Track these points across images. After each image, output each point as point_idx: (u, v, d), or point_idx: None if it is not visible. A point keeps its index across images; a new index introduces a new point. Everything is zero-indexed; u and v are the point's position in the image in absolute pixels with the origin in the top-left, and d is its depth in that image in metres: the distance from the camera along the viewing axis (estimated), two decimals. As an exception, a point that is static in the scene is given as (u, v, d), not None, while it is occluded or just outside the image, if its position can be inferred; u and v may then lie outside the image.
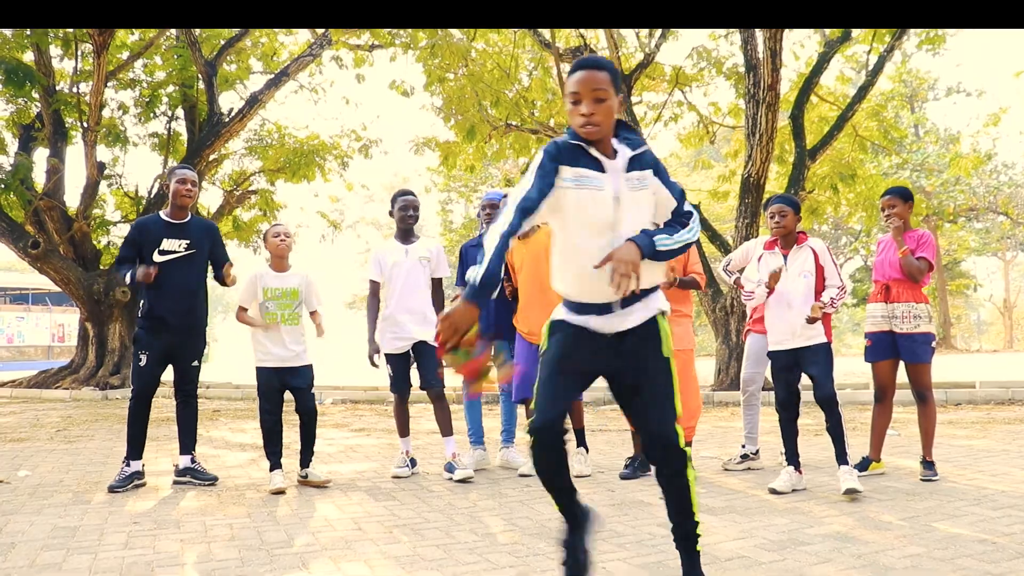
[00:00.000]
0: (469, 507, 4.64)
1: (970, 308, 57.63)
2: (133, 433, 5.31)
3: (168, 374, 5.49)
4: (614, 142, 2.87)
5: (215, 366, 28.00)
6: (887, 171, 25.69)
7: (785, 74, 12.50)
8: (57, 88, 14.72)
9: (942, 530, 3.91)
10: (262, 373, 5.31)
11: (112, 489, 5.11)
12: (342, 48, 15.90)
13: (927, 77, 33.83)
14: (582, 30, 13.96)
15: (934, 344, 5.44)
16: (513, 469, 5.89)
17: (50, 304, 36.34)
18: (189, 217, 5.48)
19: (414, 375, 5.75)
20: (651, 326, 2.90)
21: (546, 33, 12.98)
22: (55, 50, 14.92)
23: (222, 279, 5.55)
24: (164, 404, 11.24)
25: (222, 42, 15.24)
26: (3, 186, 13.79)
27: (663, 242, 2.80)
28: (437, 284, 5.83)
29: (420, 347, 5.62)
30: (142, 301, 5.39)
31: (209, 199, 17.78)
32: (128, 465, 5.28)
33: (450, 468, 5.54)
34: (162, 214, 5.44)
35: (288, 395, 5.38)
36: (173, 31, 15.12)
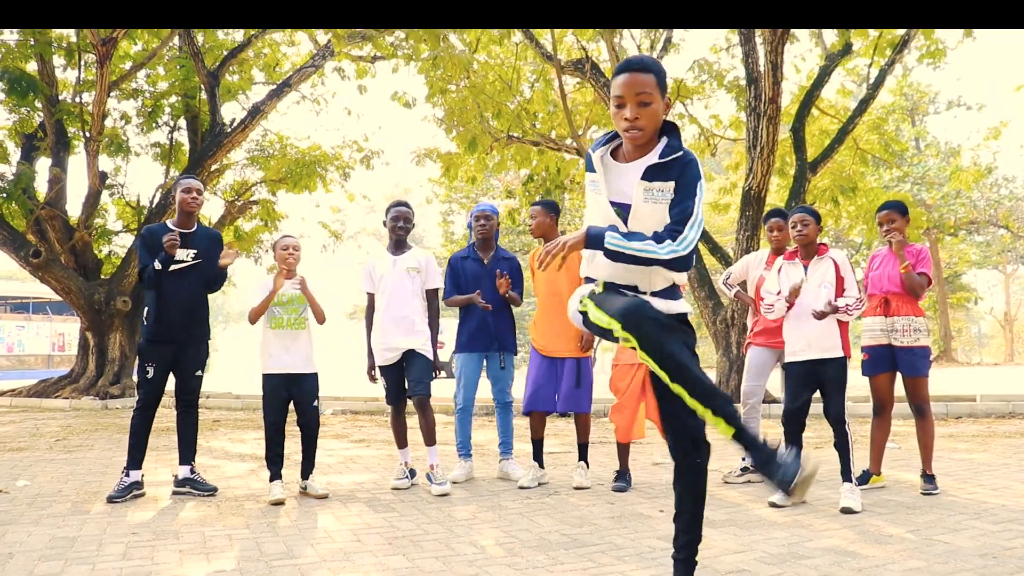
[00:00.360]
0: (468, 519, 4.63)
1: (971, 321, 57.57)
2: (134, 443, 5.31)
3: (170, 383, 5.49)
4: (660, 145, 2.76)
5: (216, 376, 27.98)
6: (888, 184, 25.72)
7: (786, 87, 12.54)
8: (60, 98, 14.75)
9: (942, 544, 3.90)
10: (268, 380, 5.33)
11: (111, 499, 5.10)
12: (344, 59, 15.93)
13: (928, 90, 33.87)
14: (584, 43, 14.01)
15: (931, 358, 5.45)
16: (512, 482, 5.88)
17: (50, 313, 36.32)
18: (196, 227, 5.52)
19: None
20: (677, 318, 2.82)
21: (548, 45, 13.02)
22: (58, 60, 14.95)
23: (215, 278, 5.55)
24: (164, 414, 11.23)
25: (225, 53, 15.29)
26: (5, 195, 13.80)
27: (614, 240, 2.65)
28: (432, 295, 5.83)
29: (409, 355, 5.61)
30: (146, 310, 5.39)
31: (211, 209, 17.80)
32: (128, 475, 5.27)
33: (428, 478, 5.52)
34: (169, 223, 5.46)
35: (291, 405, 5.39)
36: (176, 41, 15.17)
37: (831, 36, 13.56)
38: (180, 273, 5.34)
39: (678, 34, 14.29)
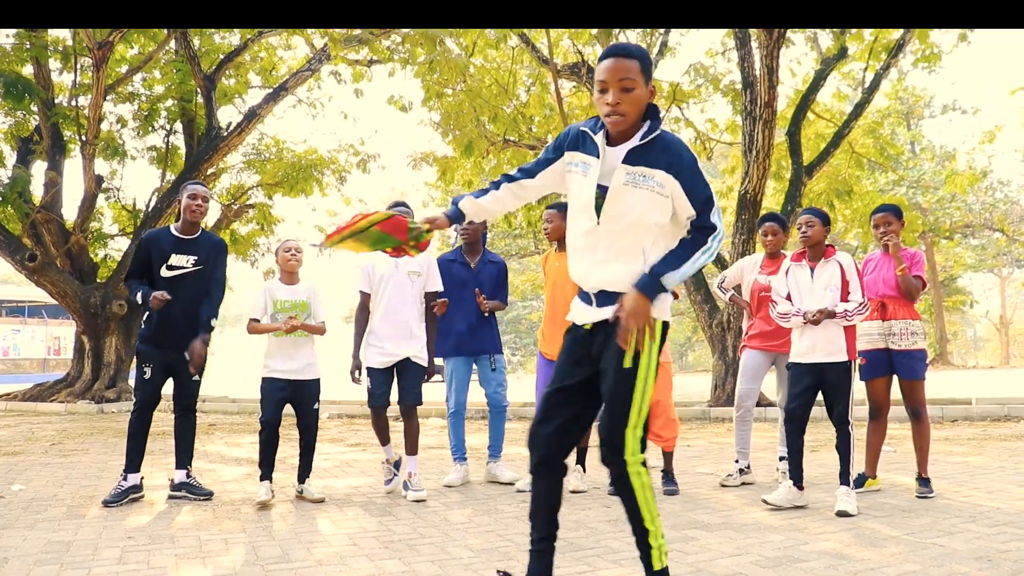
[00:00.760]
0: (464, 523, 4.63)
1: (966, 324, 57.72)
2: (132, 446, 5.29)
3: (167, 387, 5.49)
4: (643, 129, 2.77)
5: (212, 380, 27.95)
6: (883, 188, 25.79)
7: (782, 91, 12.56)
8: (56, 101, 14.76)
9: (938, 547, 3.91)
10: (266, 383, 5.31)
11: (107, 503, 5.09)
12: (341, 63, 15.96)
13: (923, 95, 33.95)
14: (580, 46, 14.04)
15: (927, 361, 5.46)
16: (506, 485, 5.87)
17: (46, 317, 36.28)
18: (199, 232, 5.50)
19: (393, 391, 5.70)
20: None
21: (544, 49, 13.04)
22: (54, 63, 14.97)
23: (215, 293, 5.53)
24: (161, 418, 11.22)
25: (221, 56, 15.30)
26: (1, 199, 13.79)
27: (670, 278, 2.70)
28: (431, 297, 5.75)
29: (403, 363, 5.55)
30: (147, 313, 5.38)
31: (207, 213, 17.80)
32: (126, 479, 5.26)
33: (404, 486, 5.48)
34: (172, 228, 5.45)
35: (289, 408, 5.38)
36: (172, 45, 15.17)
37: (826, 40, 13.60)
38: (179, 279, 5.33)
39: (674, 38, 14.34)
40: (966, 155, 31.11)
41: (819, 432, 8.52)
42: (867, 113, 14.36)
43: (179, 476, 5.42)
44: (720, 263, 12.59)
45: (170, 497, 5.37)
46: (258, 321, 5.40)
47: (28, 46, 13.44)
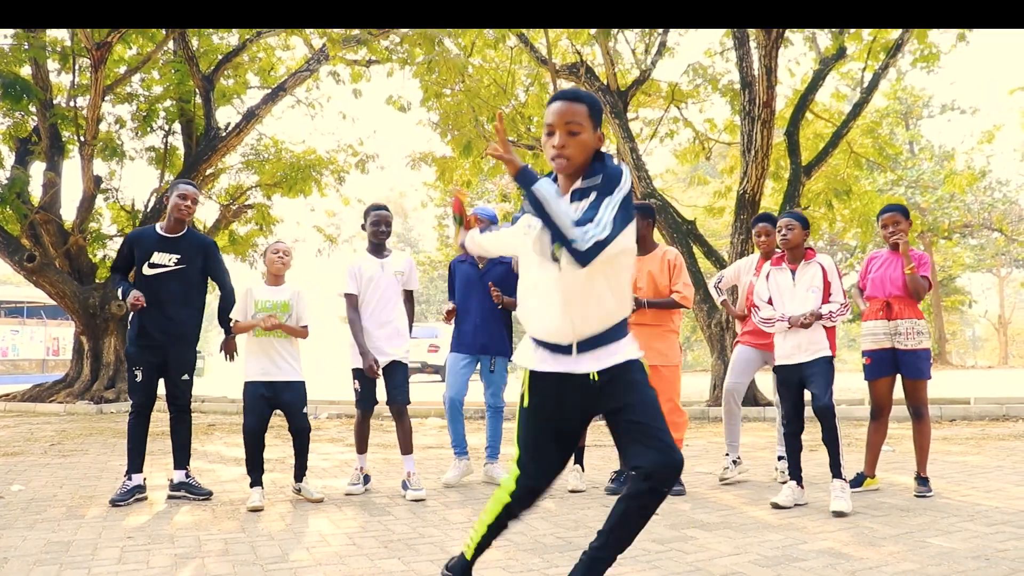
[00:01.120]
0: (463, 523, 4.63)
1: (965, 324, 57.74)
2: (132, 447, 5.31)
3: (162, 388, 5.49)
4: (581, 179, 2.72)
5: (210, 380, 27.94)
6: (882, 188, 25.81)
7: (780, 91, 12.57)
8: (54, 102, 14.75)
9: (936, 546, 3.92)
10: (249, 386, 5.27)
11: (114, 503, 5.10)
12: (339, 63, 15.95)
13: (922, 94, 33.97)
14: (579, 47, 14.04)
15: (931, 360, 5.48)
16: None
17: (45, 318, 36.24)
18: (184, 232, 5.47)
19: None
20: (629, 366, 2.76)
21: (543, 49, 13.05)
22: (52, 64, 14.95)
23: (225, 325, 5.54)
24: (158, 418, 11.21)
25: (219, 57, 15.29)
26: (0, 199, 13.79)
27: (543, 190, 2.59)
28: (408, 296, 5.89)
29: (391, 364, 5.62)
30: (131, 314, 5.39)
31: (205, 213, 17.80)
32: (130, 479, 5.27)
33: (404, 485, 5.51)
34: (158, 227, 5.44)
35: (280, 412, 5.37)
36: (171, 45, 15.16)
37: (825, 40, 13.60)
38: (161, 278, 5.32)
39: (672, 38, 14.32)
40: (965, 155, 31.16)
41: (818, 432, 8.51)
42: (866, 113, 14.37)
43: (178, 476, 5.42)
44: (719, 262, 12.60)
45: (169, 497, 5.38)
46: (239, 323, 5.40)
47: (26, 47, 13.42)
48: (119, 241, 16.14)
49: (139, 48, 15.59)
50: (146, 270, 5.32)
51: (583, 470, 5.82)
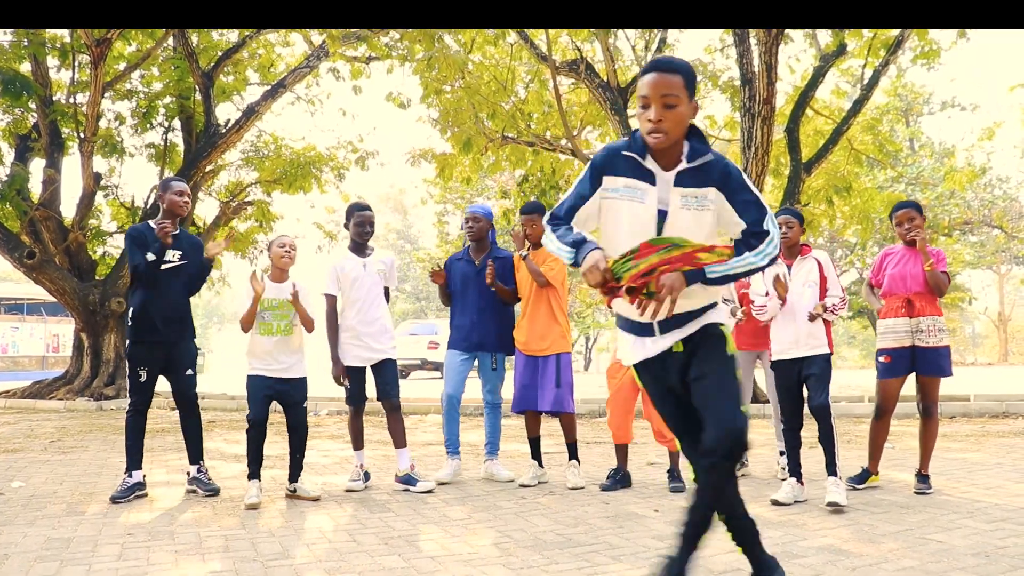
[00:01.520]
0: (463, 519, 4.64)
1: (965, 321, 57.73)
2: (131, 444, 5.33)
3: (164, 385, 5.51)
4: (685, 149, 2.69)
5: (210, 377, 27.94)
6: (882, 185, 25.77)
7: (781, 87, 12.55)
8: (54, 99, 14.73)
9: (936, 543, 3.92)
10: (252, 380, 5.27)
11: (114, 500, 5.12)
12: (339, 60, 15.94)
13: (922, 91, 33.91)
14: (579, 44, 14.02)
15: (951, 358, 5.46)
16: (504, 482, 5.89)
17: (45, 314, 36.25)
18: (179, 229, 5.54)
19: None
20: (712, 327, 2.80)
21: (543, 46, 13.03)
22: (52, 61, 14.93)
23: (197, 276, 5.60)
24: (158, 415, 11.22)
25: (219, 53, 15.28)
26: (-1, 196, 13.79)
27: (714, 269, 2.63)
28: (385, 292, 5.91)
29: (381, 362, 5.70)
30: (131, 310, 5.41)
31: (205, 210, 17.80)
32: (130, 476, 5.29)
33: (408, 480, 5.54)
34: (152, 224, 5.44)
35: (276, 406, 5.36)
36: (170, 42, 15.15)
37: (825, 37, 13.58)
38: (165, 273, 5.38)
39: (672, 35, 14.31)
40: (965, 152, 31.09)
41: (816, 428, 8.51)
42: (866, 110, 14.33)
43: (192, 471, 5.50)
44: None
45: (188, 491, 5.46)
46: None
47: (26, 43, 13.42)
48: (119, 238, 16.20)
49: (139, 45, 15.58)
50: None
51: (579, 464, 5.83)
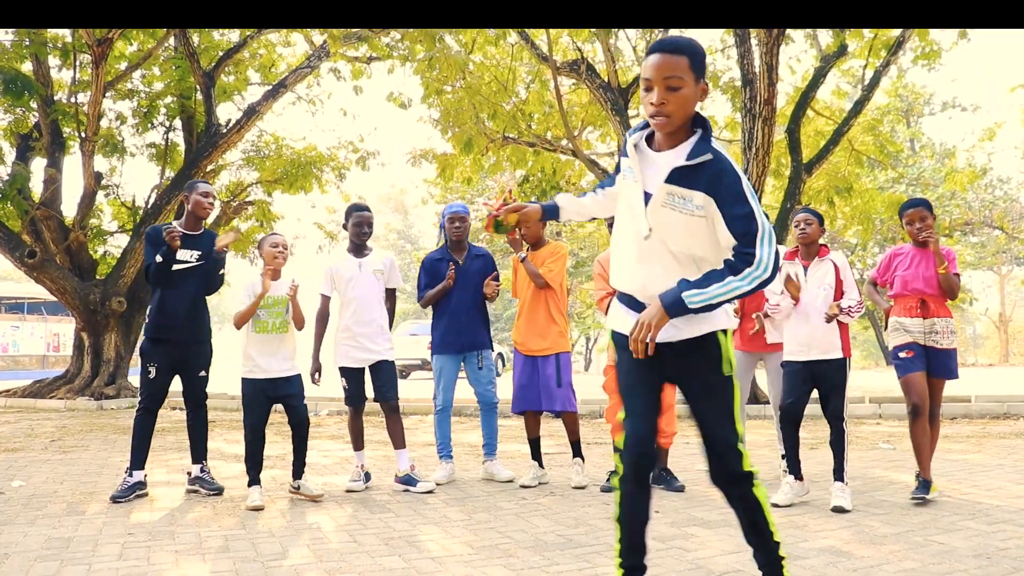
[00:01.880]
0: (464, 519, 4.63)
1: (966, 322, 57.69)
2: (137, 444, 5.33)
3: (176, 384, 5.53)
4: (691, 143, 2.58)
5: (211, 377, 27.92)
6: (883, 185, 25.75)
7: (781, 88, 12.54)
8: (55, 98, 14.73)
9: (937, 544, 3.92)
10: (248, 384, 5.24)
11: (115, 499, 5.12)
12: (340, 60, 15.93)
13: (923, 92, 33.92)
14: (579, 44, 14.02)
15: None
16: (504, 482, 5.89)
17: (45, 314, 36.25)
18: (203, 230, 5.60)
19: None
20: (707, 340, 2.64)
21: (543, 46, 13.03)
22: (53, 60, 14.93)
23: (213, 274, 5.59)
24: (161, 415, 11.20)
25: (220, 53, 15.28)
26: (0, 195, 13.77)
27: (696, 298, 2.47)
28: (390, 294, 5.91)
29: (378, 363, 5.70)
30: (149, 308, 5.45)
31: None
32: (131, 475, 5.29)
33: (408, 480, 5.54)
34: (176, 224, 5.49)
35: (279, 406, 5.36)
36: (172, 42, 15.15)
37: (826, 37, 13.57)
38: (183, 274, 5.41)
39: (673, 35, 14.29)
40: (966, 152, 31.11)
41: (817, 430, 8.51)
42: (867, 110, 14.33)
43: (195, 470, 5.51)
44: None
45: (188, 490, 5.46)
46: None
47: (27, 43, 13.41)
48: (120, 237, 16.22)
49: (140, 44, 15.58)
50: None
51: (583, 461, 5.82)
